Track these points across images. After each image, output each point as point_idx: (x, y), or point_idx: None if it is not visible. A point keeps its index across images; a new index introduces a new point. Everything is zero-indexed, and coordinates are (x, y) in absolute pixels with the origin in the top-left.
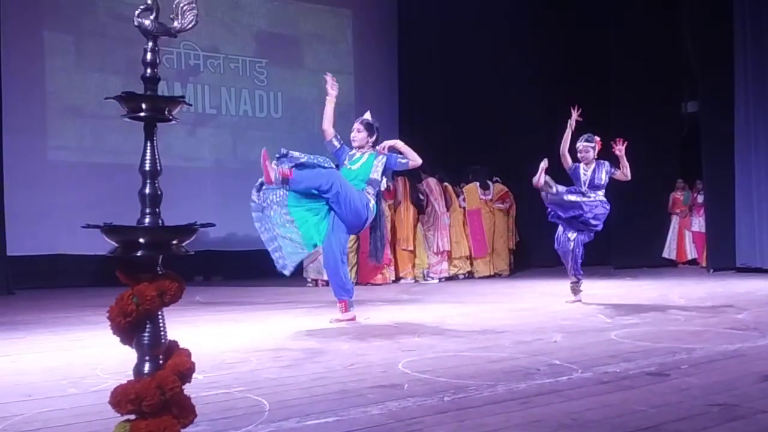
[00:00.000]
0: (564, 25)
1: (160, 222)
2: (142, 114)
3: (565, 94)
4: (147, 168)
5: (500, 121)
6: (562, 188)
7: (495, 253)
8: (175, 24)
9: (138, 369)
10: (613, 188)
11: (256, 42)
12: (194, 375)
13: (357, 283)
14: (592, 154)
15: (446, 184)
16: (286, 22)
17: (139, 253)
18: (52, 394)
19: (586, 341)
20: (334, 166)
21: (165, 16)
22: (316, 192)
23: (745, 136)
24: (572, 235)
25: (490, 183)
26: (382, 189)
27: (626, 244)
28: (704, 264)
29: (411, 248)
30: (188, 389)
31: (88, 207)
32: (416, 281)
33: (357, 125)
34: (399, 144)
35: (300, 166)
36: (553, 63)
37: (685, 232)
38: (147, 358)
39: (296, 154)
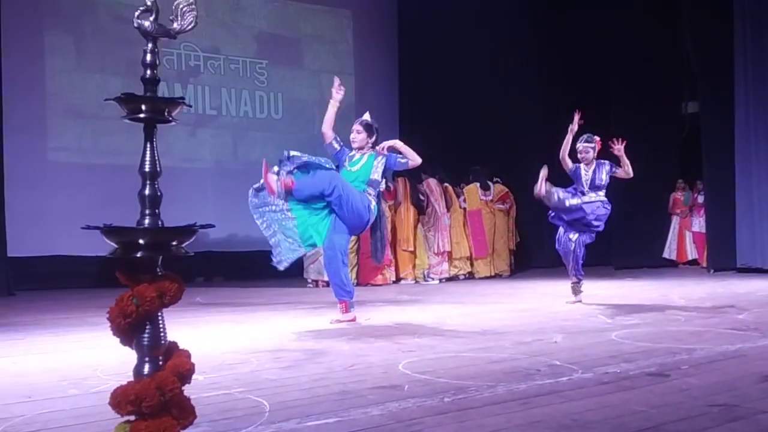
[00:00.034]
0: (564, 25)
1: (159, 223)
2: (142, 115)
3: (565, 94)
4: (147, 169)
5: (500, 122)
6: (562, 194)
7: (495, 254)
8: (175, 25)
9: (138, 370)
10: (614, 188)
11: (256, 43)
12: (194, 376)
13: (357, 284)
14: (592, 155)
15: (446, 184)
16: (287, 22)
17: (138, 254)
18: (52, 395)
19: (587, 342)
20: (334, 167)
21: (165, 17)
22: (318, 195)
23: (745, 136)
24: (573, 236)
25: (490, 183)
26: (382, 189)
27: (627, 244)
28: (705, 264)
29: (411, 249)
30: (188, 390)
31: (88, 208)
32: (417, 282)
33: (356, 126)
34: (398, 144)
35: (303, 167)
36: (553, 63)
37: (686, 232)
38: (147, 359)
39: (298, 154)
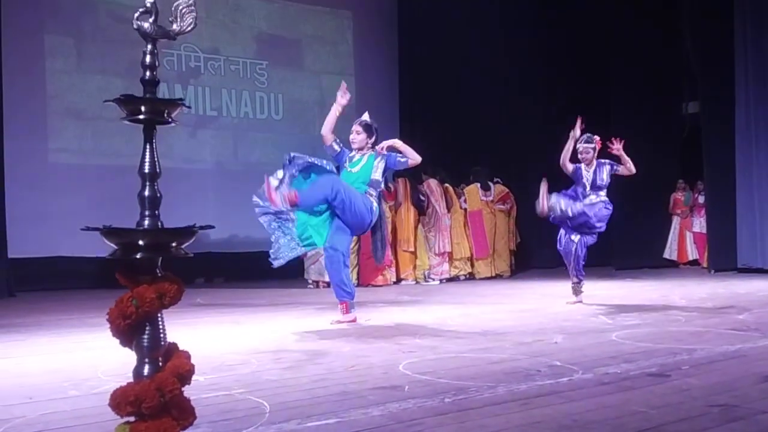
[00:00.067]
0: (564, 25)
1: (159, 224)
2: (142, 117)
3: (565, 94)
4: (146, 170)
5: (500, 122)
6: (564, 203)
7: (496, 254)
8: (174, 27)
9: (137, 371)
10: (614, 189)
11: (256, 44)
12: (195, 377)
13: (358, 285)
14: (592, 155)
15: (447, 185)
16: (287, 23)
17: (138, 256)
18: (53, 396)
19: (587, 342)
20: (334, 168)
21: (164, 18)
22: (322, 202)
23: (745, 136)
24: (575, 237)
25: (491, 184)
26: (382, 189)
27: (627, 244)
28: (705, 265)
29: (412, 249)
30: (189, 391)
31: (89, 209)
32: (417, 282)
33: (356, 127)
34: (398, 143)
35: (305, 170)
36: (554, 63)
37: (686, 232)
38: (146, 360)
39: (299, 155)
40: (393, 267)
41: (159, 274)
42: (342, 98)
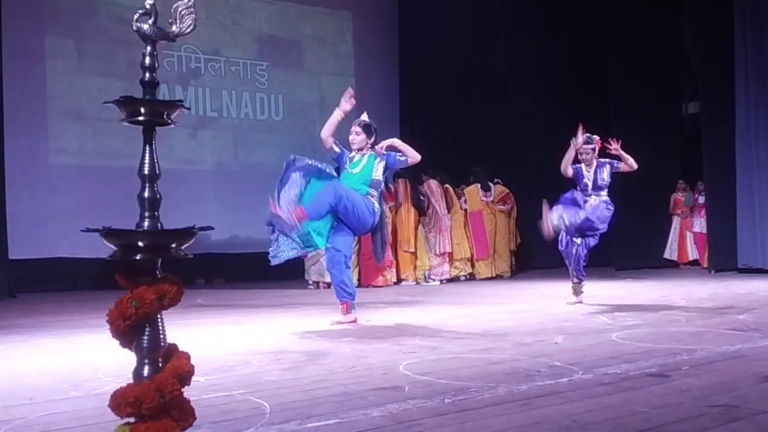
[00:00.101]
0: (564, 25)
1: (159, 225)
2: (141, 118)
3: (565, 94)
4: (146, 172)
5: (501, 122)
6: (568, 219)
7: (496, 255)
8: (174, 28)
9: (137, 372)
10: (615, 189)
11: (256, 45)
12: (195, 377)
13: (359, 286)
14: (592, 155)
15: (447, 185)
16: (287, 24)
17: (138, 257)
18: (53, 397)
19: (587, 342)
20: (334, 171)
21: (164, 20)
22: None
23: (745, 136)
24: (578, 239)
25: (491, 184)
26: (382, 189)
27: (627, 245)
28: (705, 265)
29: (412, 250)
30: (189, 392)
31: (89, 210)
32: (417, 283)
33: (355, 128)
34: (396, 142)
35: (306, 174)
36: (554, 63)
37: (687, 233)
38: (146, 361)
39: (299, 158)
40: (393, 267)
41: (159, 276)
42: (346, 104)
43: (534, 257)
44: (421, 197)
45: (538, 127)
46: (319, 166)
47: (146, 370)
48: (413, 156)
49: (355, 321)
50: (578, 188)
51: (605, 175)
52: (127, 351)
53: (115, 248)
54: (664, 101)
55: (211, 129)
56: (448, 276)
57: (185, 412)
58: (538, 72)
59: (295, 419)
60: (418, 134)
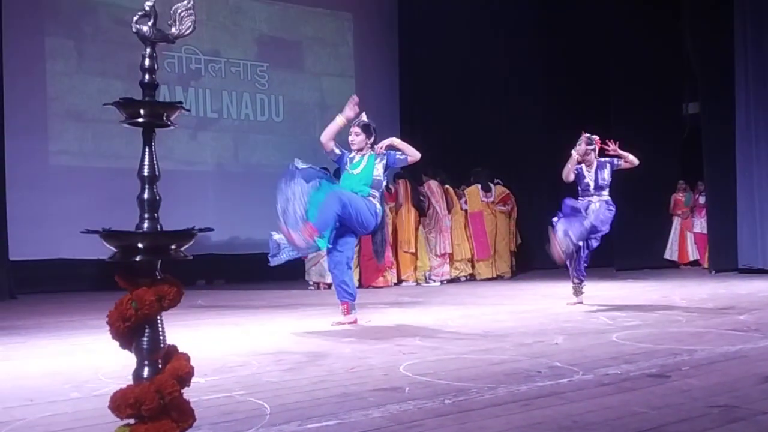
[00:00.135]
0: (564, 25)
1: (158, 227)
2: (141, 120)
3: (565, 94)
4: (145, 173)
5: (501, 123)
6: (576, 234)
7: (497, 255)
8: (173, 30)
9: (137, 373)
10: (615, 190)
11: (257, 46)
12: (195, 378)
13: (359, 286)
14: (593, 156)
15: (447, 186)
16: (287, 25)
17: (137, 258)
18: (54, 399)
19: (588, 343)
20: (331, 173)
21: (163, 22)
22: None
23: (746, 136)
24: (580, 242)
25: (491, 185)
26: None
27: (628, 245)
28: (706, 265)
29: (413, 251)
30: (189, 393)
31: (89, 211)
32: (418, 284)
33: (354, 129)
34: (396, 141)
35: (308, 182)
36: (554, 63)
37: (687, 233)
38: (146, 362)
39: (303, 165)
40: (394, 268)
41: (158, 277)
42: (350, 111)
43: (534, 258)
44: (422, 198)
45: (538, 127)
46: (318, 169)
47: (146, 372)
48: (413, 154)
49: (355, 322)
50: (579, 189)
51: (606, 174)
52: (127, 352)
53: (115, 250)
54: (664, 101)
55: (211, 130)
56: (448, 277)
57: (185, 414)
58: (538, 72)
59: (296, 420)
60: (418, 134)
